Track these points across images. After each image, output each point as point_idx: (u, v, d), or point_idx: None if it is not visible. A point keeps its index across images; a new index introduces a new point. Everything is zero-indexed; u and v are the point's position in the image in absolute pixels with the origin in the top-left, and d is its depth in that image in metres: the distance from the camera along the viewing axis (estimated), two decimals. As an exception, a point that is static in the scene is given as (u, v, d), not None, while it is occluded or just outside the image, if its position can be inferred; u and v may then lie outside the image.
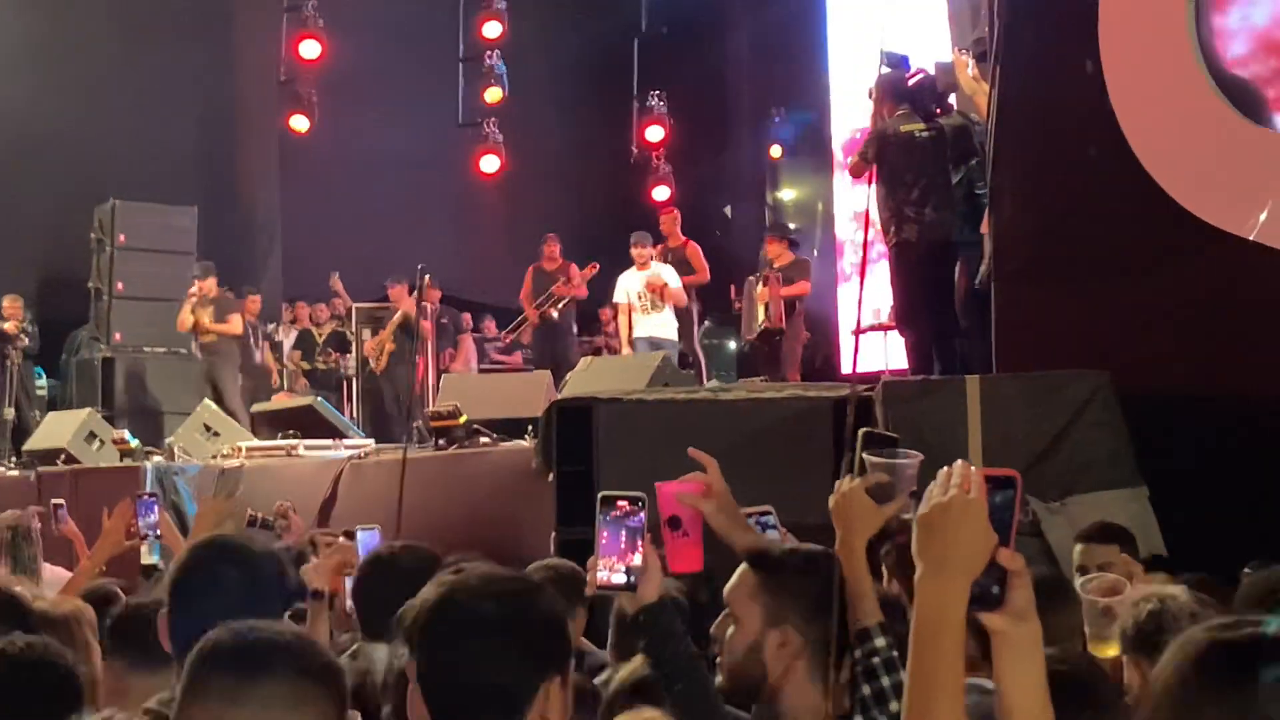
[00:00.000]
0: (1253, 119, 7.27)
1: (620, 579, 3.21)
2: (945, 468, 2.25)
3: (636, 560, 3.21)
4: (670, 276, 13.86)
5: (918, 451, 3.31)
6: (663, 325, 13.89)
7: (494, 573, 2.61)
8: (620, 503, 3.23)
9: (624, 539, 3.20)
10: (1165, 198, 7.21)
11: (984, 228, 8.69)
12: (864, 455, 3.37)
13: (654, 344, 13.46)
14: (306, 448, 11.92)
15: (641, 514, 3.22)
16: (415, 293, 15.37)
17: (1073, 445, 6.80)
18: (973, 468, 2.24)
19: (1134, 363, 7.14)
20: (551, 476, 8.33)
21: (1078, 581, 4.21)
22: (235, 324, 15.20)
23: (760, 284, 13.47)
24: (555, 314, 16.55)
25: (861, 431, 3.50)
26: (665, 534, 3.53)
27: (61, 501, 7.79)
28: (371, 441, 12.40)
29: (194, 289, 15.04)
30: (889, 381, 7.60)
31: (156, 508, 6.45)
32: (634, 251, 14.13)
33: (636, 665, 3.57)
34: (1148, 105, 7.41)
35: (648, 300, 13.88)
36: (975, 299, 8.82)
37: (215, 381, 14.87)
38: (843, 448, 6.94)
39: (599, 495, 3.27)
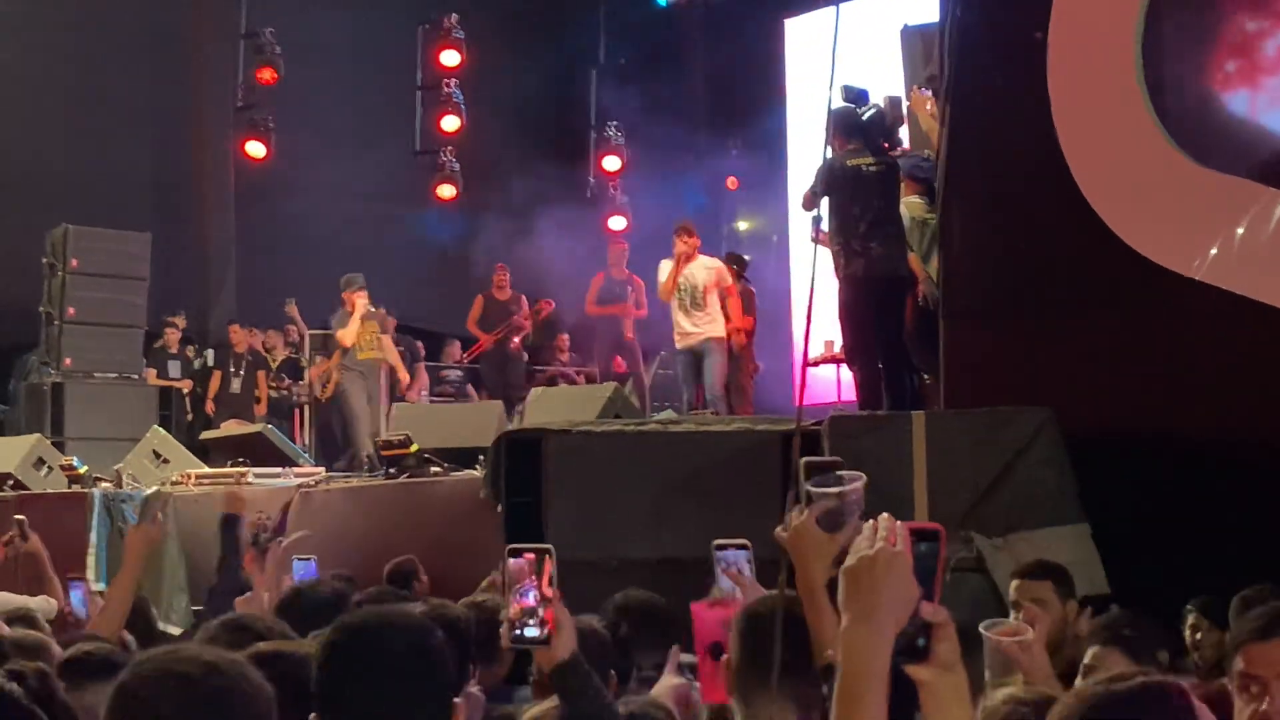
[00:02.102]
0: (1198, 160, 7.34)
1: (534, 633, 3.16)
2: (870, 521, 2.28)
3: (543, 610, 3.16)
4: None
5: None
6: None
7: (387, 612, 2.67)
8: (526, 554, 3.18)
9: (535, 592, 3.16)
10: (1112, 237, 7.27)
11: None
12: (808, 487, 3.34)
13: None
14: (256, 475, 11.86)
15: (550, 566, 3.18)
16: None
17: (1017, 482, 6.84)
18: (898, 522, 2.26)
19: (1079, 400, 7.20)
20: (500, 508, 8.32)
21: (983, 624, 4.22)
22: (388, 342, 15.06)
23: None
24: (515, 344, 16.67)
25: (803, 461, 3.50)
26: (704, 662, 3.49)
27: (23, 517, 7.72)
28: (322, 469, 12.36)
29: (359, 301, 14.70)
30: (835, 416, 7.64)
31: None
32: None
33: (548, 708, 3.51)
34: (1095, 145, 7.47)
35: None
36: (926, 333, 8.88)
37: (373, 399, 14.57)
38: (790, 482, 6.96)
39: (506, 548, 3.24)
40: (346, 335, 14.61)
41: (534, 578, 3.14)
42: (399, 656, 2.78)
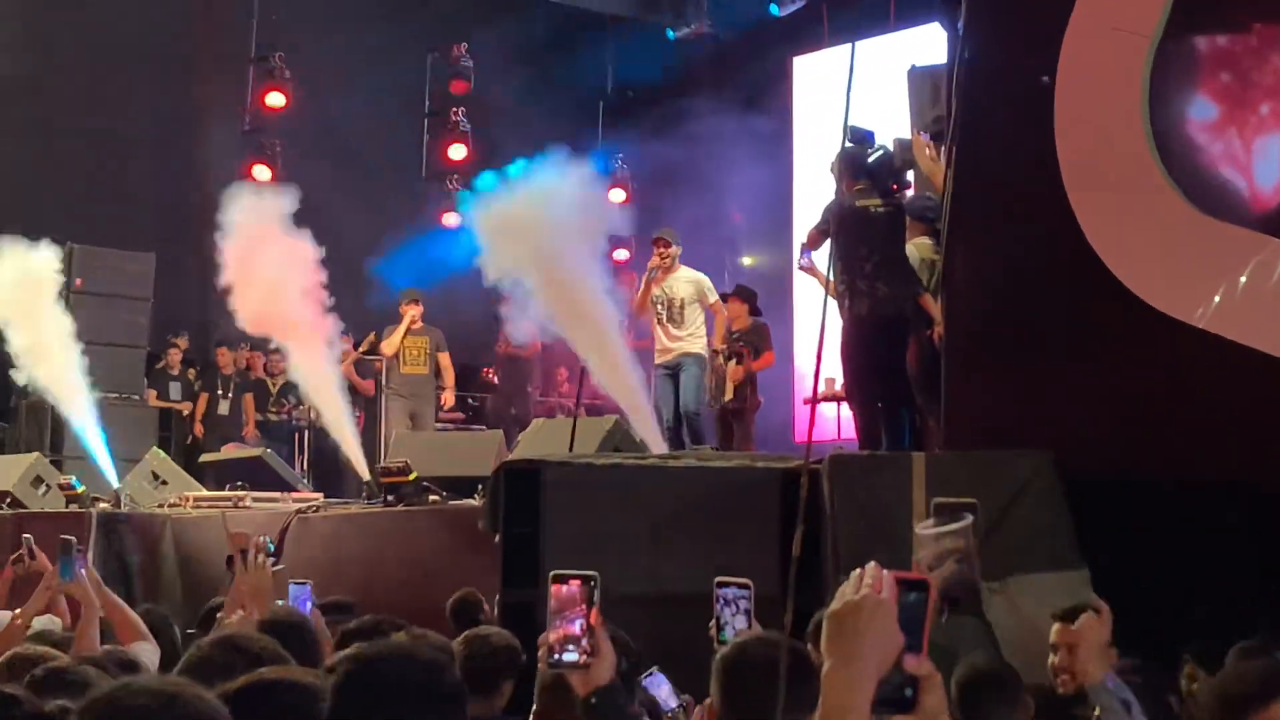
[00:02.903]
0: (1202, 208, 7.36)
1: (572, 657, 3.21)
2: (858, 569, 2.29)
3: (587, 639, 3.21)
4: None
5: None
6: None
7: (402, 645, 2.67)
8: (572, 581, 3.24)
9: (575, 617, 3.21)
10: (1115, 282, 7.28)
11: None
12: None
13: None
14: (254, 499, 11.87)
15: (594, 592, 3.23)
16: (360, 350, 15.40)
17: (1016, 525, 6.84)
18: (884, 571, 2.28)
19: (1080, 444, 7.20)
20: (498, 538, 8.32)
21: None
22: (445, 361, 15.02)
23: (733, 360, 13.39)
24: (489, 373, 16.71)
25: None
26: None
27: (30, 536, 7.73)
28: (320, 495, 12.35)
29: (409, 314, 14.77)
30: (836, 455, 7.64)
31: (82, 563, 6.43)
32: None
33: None
34: (1100, 190, 7.49)
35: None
36: (930, 374, 8.89)
37: (416, 418, 14.65)
38: (790, 520, 6.95)
39: (550, 574, 3.28)
40: (388, 346, 14.62)
41: (584, 605, 3.19)
42: (415, 689, 2.79)
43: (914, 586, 2.29)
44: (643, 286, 12.75)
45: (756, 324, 14.04)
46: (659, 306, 12.76)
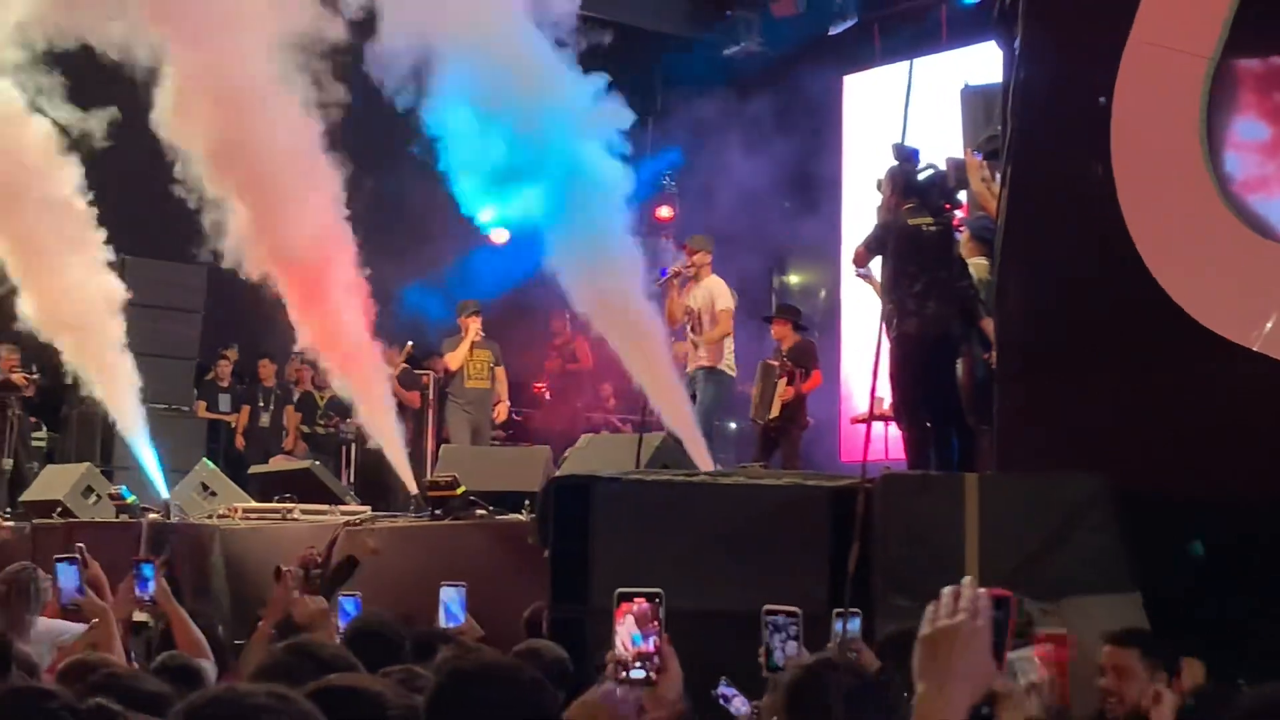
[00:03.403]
0: (1258, 230, 7.31)
1: (639, 674, 3.23)
2: (951, 588, 2.27)
3: (653, 655, 3.23)
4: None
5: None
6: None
7: (497, 662, 2.67)
8: (639, 599, 3.25)
9: (642, 634, 3.22)
10: (1170, 304, 7.23)
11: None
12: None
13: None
14: (303, 511, 11.90)
15: (660, 610, 3.24)
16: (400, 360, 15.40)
17: (1069, 547, 6.80)
18: (980, 591, 2.26)
19: (1134, 466, 7.14)
20: (547, 553, 8.32)
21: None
22: (501, 375, 14.95)
23: (784, 379, 13.33)
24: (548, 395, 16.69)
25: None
26: None
27: (83, 545, 7.79)
28: (368, 508, 12.37)
29: (472, 326, 14.70)
30: (888, 475, 7.60)
31: (154, 571, 6.52)
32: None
33: None
34: (1156, 211, 7.44)
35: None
36: (983, 394, 8.86)
37: (478, 432, 14.59)
38: (840, 539, 6.94)
39: (616, 592, 3.29)
40: (453, 359, 14.56)
41: (656, 623, 3.21)
42: (509, 707, 2.79)
43: (996, 603, 2.28)
44: (668, 295, 12.59)
45: (803, 342, 14.01)
46: (687, 316, 12.64)
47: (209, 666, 5.76)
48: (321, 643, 3.84)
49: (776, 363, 13.49)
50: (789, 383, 13.28)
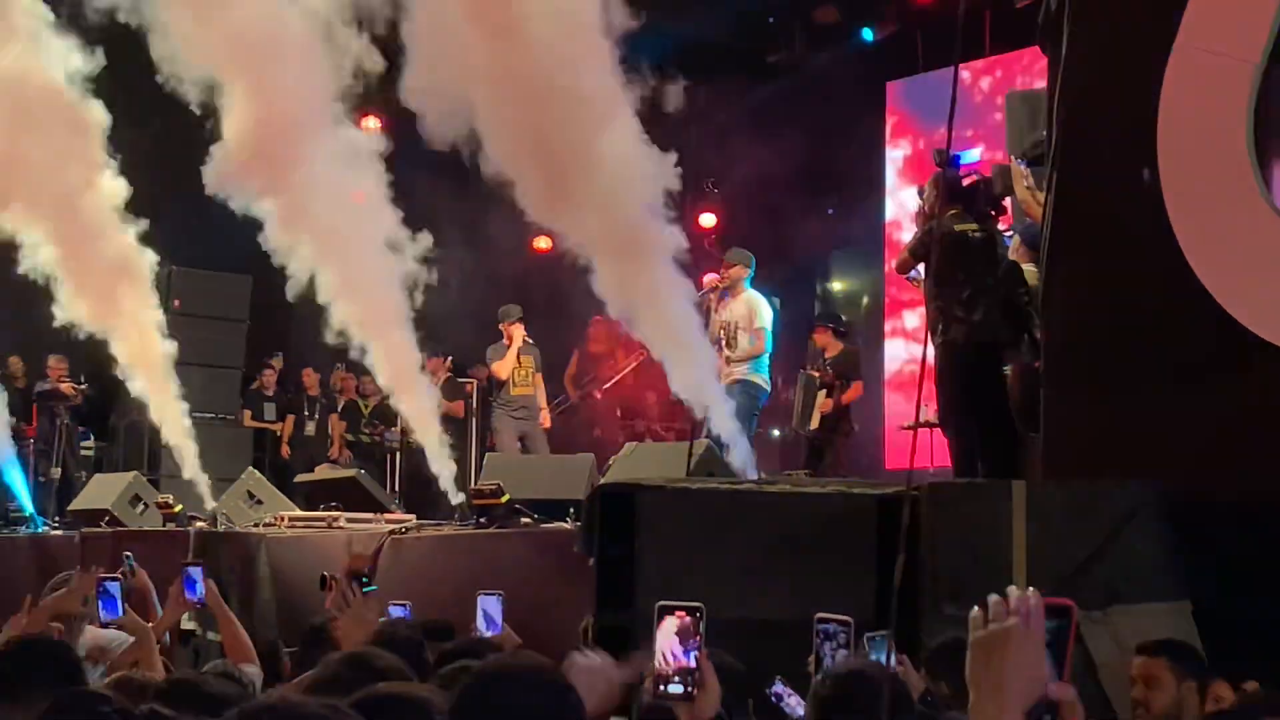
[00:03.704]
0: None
1: (677, 689, 3.22)
2: (999, 595, 2.26)
3: (692, 669, 3.22)
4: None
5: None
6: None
7: (521, 664, 2.67)
8: (678, 612, 3.24)
9: (681, 649, 3.21)
10: (1218, 309, 7.19)
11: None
12: None
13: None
14: (348, 520, 11.94)
15: (701, 624, 3.23)
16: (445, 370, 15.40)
17: (1117, 555, 6.75)
18: (1032, 594, 2.24)
19: (1182, 473, 7.10)
20: (592, 561, 8.32)
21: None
22: (541, 381, 14.79)
23: (823, 391, 13.28)
24: (598, 395, 16.64)
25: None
26: None
27: (130, 554, 7.86)
28: (413, 516, 12.41)
29: (516, 333, 14.56)
30: (935, 483, 7.59)
31: (203, 576, 6.56)
32: None
33: None
34: (1203, 216, 7.40)
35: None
36: (1033, 401, 8.81)
37: (526, 439, 14.51)
38: (885, 548, 6.92)
39: (656, 605, 3.29)
40: (502, 368, 14.46)
41: (697, 637, 3.20)
42: (534, 710, 2.79)
43: (1057, 612, 2.27)
44: (705, 306, 12.47)
45: (847, 350, 13.95)
46: (722, 331, 12.55)
47: (254, 672, 5.78)
48: (378, 654, 3.85)
49: (817, 373, 13.44)
50: (828, 394, 13.24)
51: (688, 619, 3.23)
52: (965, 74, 16.63)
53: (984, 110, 16.19)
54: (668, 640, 3.24)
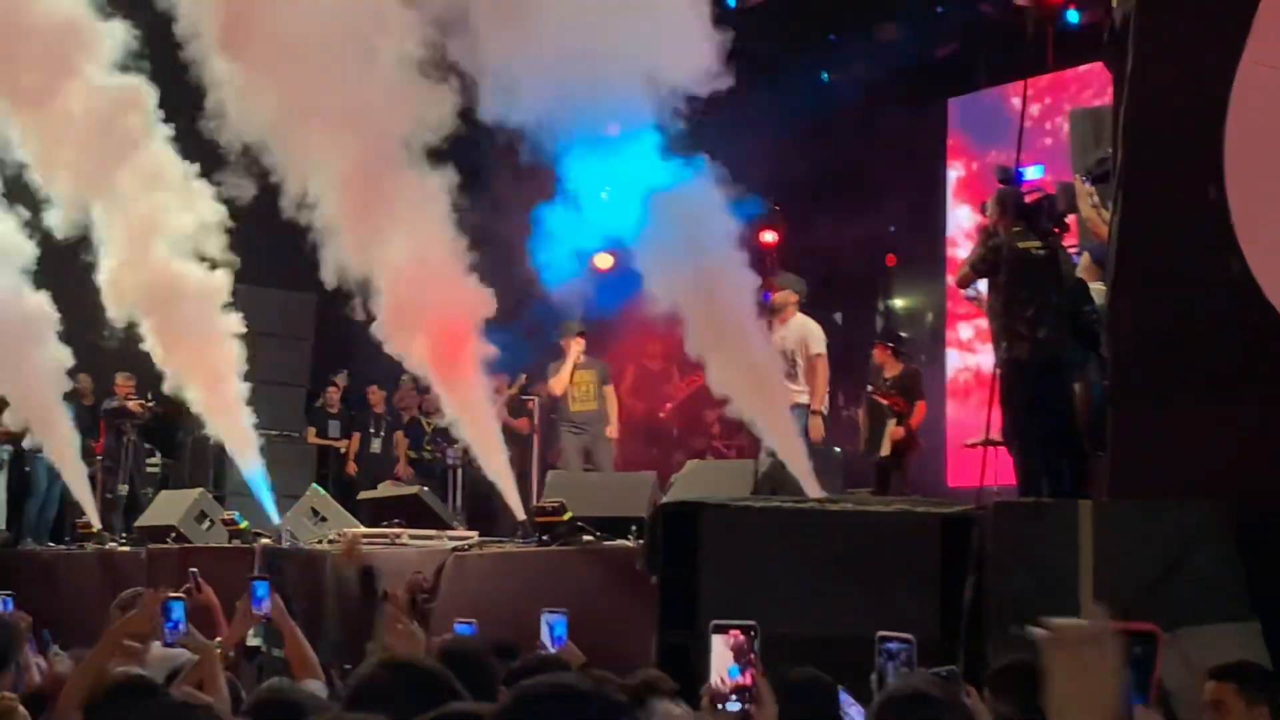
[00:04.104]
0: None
1: (735, 707, 3.23)
2: (1067, 618, 2.24)
3: (749, 687, 3.22)
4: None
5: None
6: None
7: (567, 681, 2.68)
8: (733, 631, 3.25)
9: (737, 666, 3.22)
10: (1287, 326, 7.13)
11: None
12: None
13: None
14: (411, 536, 11.99)
15: (755, 642, 3.24)
16: (511, 390, 15.40)
17: (1185, 575, 6.69)
18: (1109, 622, 2.22)
19: (1251, 491, 7.03)
20: (655, 579, 8.33)
21: None
22: (610, 394, 14.47)
23: (893, 420, 13.22)
24: (662, 414, 16.66)
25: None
26: None
27: (196, 570, 7.92)
28: (475, 533, 12.44)
29: (574, 348, 14.38)
30: (1000, 502, 7.55)
31: (269, 590, 6.59)
32: None
33: None
34: (1270, 233, 7.33)
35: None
36: (1100, 419, 8.76)
37: (590, 455, 14.35)
38: (950, 567, 6.90)
39: (711, 624, 3.30)
40: (556, 383, 14.34)
41: (752, 655, 3.21)
42: None
43: (1140, 638, 2.26)
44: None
45: (908, 370, 13.91)
46: (781, 357, 12.39)
47: (319, 687, 5.80)
48: (425, 661, 3.84)
49: (886, 400, 13.38)
50: (898, 422, 13.19)
51: (742, 637, 3.25)
52: (1015, 99, 16.58)
53: (1034, 134, 16.13)
54: (723, 658, 3.25)
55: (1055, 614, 2.36)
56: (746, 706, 3.24)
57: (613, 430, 14.41)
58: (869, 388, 13.72)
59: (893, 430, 13.12)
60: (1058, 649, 2.22)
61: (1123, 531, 6.85)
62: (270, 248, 16.75)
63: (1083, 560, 6.66)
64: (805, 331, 12.60)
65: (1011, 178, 9.95)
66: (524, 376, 16.86)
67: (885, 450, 13.12)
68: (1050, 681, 2.22)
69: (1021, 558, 6.83)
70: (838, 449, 16.98)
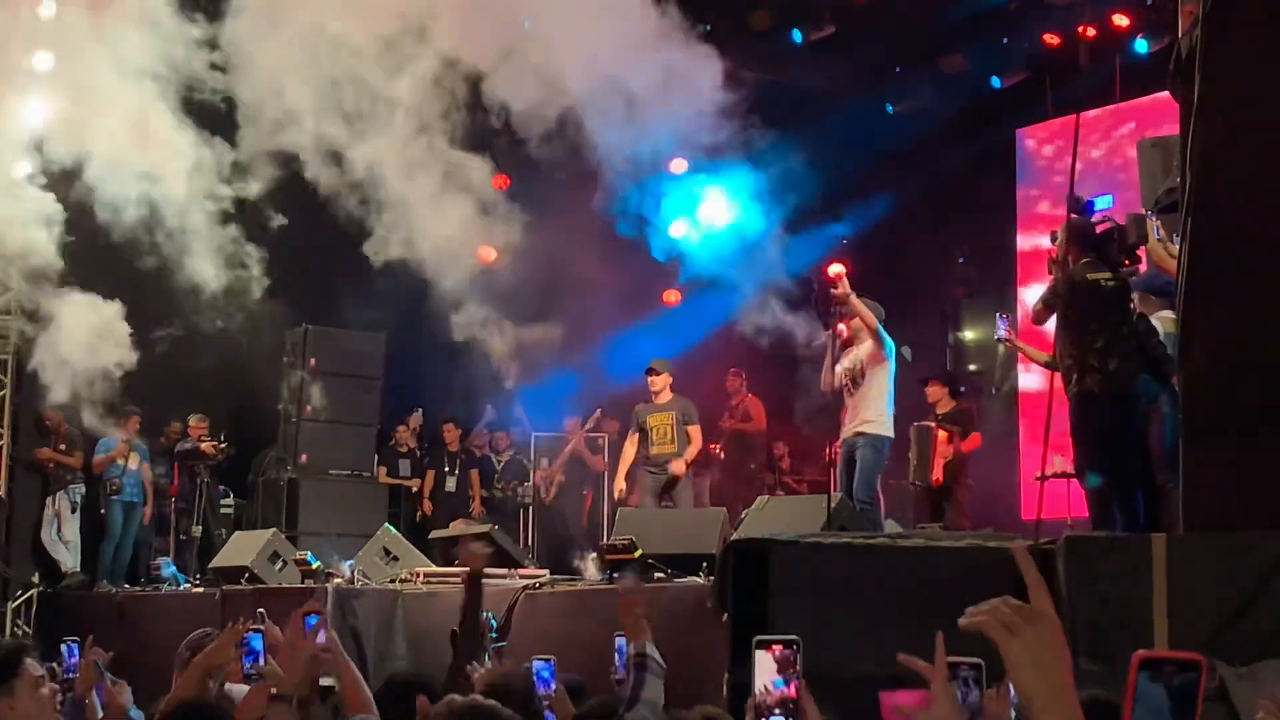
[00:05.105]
0: None
1: None
2: (1015, 602, 2.30)
3: (793, 699, 3.23)
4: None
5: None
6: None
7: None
8: (774, 646, 3.26)
9: (780, 682, 3.23)
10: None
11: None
12: None
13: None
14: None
15: (797, 657, 3.24)
16: (583, 426, 15.39)
17: (1263, 609, 6.60)
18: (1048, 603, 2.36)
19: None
20: (726, 617, 8.30)
21: None
22: (695, 433, 14.04)
23: (945, 437, 13.16)
24: (714, 449, 16.58)
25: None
26: None
27: (263, 610, 7.93)
28: (547, 572, 12.45)
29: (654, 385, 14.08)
30: (1072, 536, 7.46)
31: (316, 624, 6.57)
32: None
33: None
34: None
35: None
36: (1174, 452, 8.67)
37: (667, 496, 13.99)
38: (1026, 601, 6.83)
39: (754, 639, 3.30)
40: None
41: (795, 668, 3.21)
42: None
43: (1186, 667, 2.24)
44: (827, 360, 12.15)
45: (960, 407, 13.89)
46: (845, 376, 12.08)
47: None
48: (498, 709, 3.85)
49: (932, 424, 13.33)
50: (949, 441, 13.12)
51: (785, 651, 3.25)
52: (1097, 120, 16.48)
53: (1105, 164, 16.07)
54: (768, 671, 3.26)
55: (1128, 648, 2.36)
56: (790, 719, 3.24)
57: (677, 465, 13.94)
58: (919, 423, 13.62)
59: (943, 449, 13.03)
60: (1009, 637, 2.35)
61: (1198, 565, 6.76)
62: (338, 288, 16.93)
63: (1156, 595, 6.58)
64: (870, 339, 12.17)
65: (1082, 207, 9.90)
66: (599, 412, 16.92)
67: (937, 473, 13.04)
68: (1010, 664, 2.34)
69: (1094, 592, 6.76)
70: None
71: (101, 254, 14.71)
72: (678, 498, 13.94)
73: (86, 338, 14.66)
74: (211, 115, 14.38)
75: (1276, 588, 6.65)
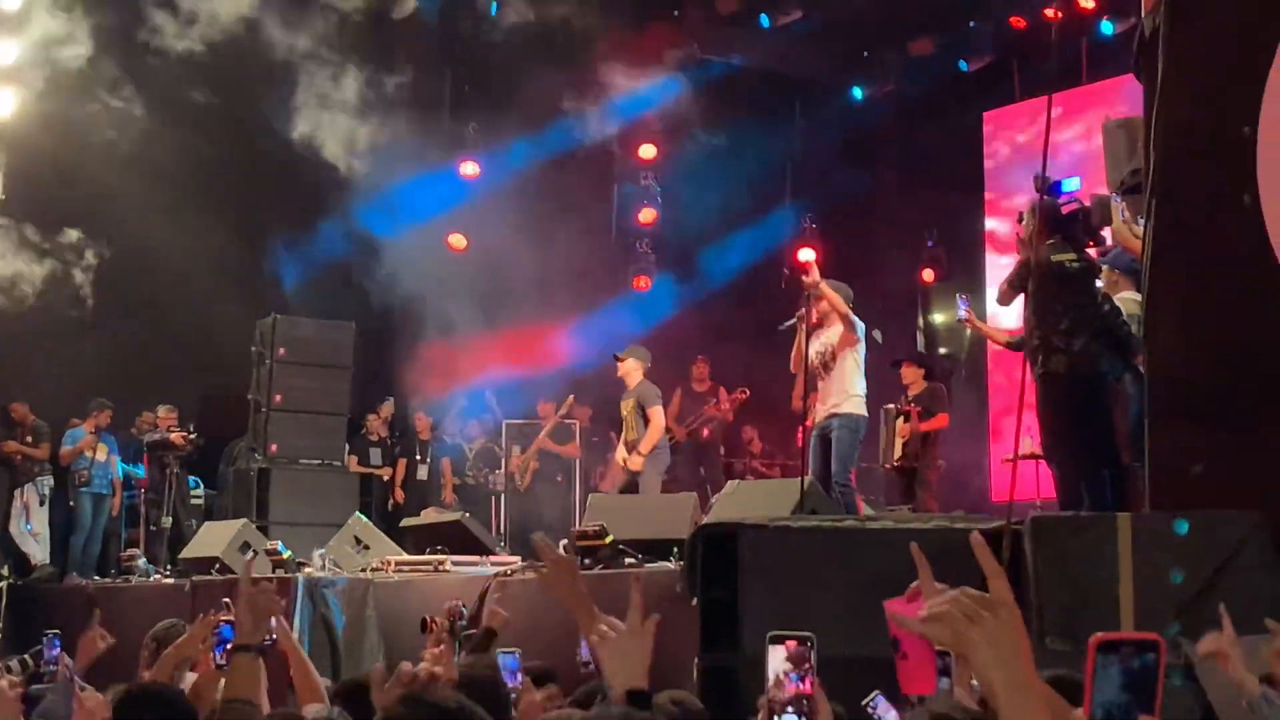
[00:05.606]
0: None
1: (792, 717, 3.24)
2: (1104, 630, 2.28)
3: (806, 695, 3.24)
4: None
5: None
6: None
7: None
8: (790, 641, 3.27)
9: (794, 677, 3.24)
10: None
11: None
12: None
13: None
14: (454, 563, 12.00)
15: (811, 653, 3.25)
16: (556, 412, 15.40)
17: (1227, 588, 6.63)
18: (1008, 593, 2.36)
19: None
20: (695, 601, 8.30)
21: None
22: (655, 415, 13.80)
23: (900, 419, 13.27)
24: (705, 433, 16.62)
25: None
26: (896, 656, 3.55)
27: (229, 600, 7.89)
28: (518, 559, 12.44)
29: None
30: (1038, 516, 7.49)
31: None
32: None
33: None
34: (1307, 242, 7.29)
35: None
36: (1138, 432, 8.71)
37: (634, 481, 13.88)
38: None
39: (768, 634, 3.30)
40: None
41: (809, 664, 3.22)
42: None
43: (1145, 648, 2.25)
44: (794, 339, 11.88)
45: (931, 387, 13.98)
46: (816, 359, 11.75)
47: (319, 709, 5.77)
48: (446, 694, 3.83)
49: (894, 405, 13.44)
50: (905, 420, 13.20)
51: (799, 647, 3.26)
52: (1063, 103, 16.50)
53: (1072, 146, 16.12)
54: (781, 668, 3.26)
55: (1095, 628, 2.37)
56: (804, 715, 3.24)
57: (633, 462, 13.77)
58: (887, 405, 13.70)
59: (900, 429, 13.09)
60: (970, 626, 2.33)
61: (1162, 545, 6.80)
62: (307, 278, 16.90)
63: (1123, 574, 6.62)
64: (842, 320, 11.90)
65: (1050, 188, 9.92)
66: (570, 399, 16.91)
67: (897, 452, 13.11)
68: (971, 654, 2.32)
69: (1060, 572, 6.79)
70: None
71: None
72: (643, 485, 13.89)
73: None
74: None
75: (1238, 567, 6.70)
